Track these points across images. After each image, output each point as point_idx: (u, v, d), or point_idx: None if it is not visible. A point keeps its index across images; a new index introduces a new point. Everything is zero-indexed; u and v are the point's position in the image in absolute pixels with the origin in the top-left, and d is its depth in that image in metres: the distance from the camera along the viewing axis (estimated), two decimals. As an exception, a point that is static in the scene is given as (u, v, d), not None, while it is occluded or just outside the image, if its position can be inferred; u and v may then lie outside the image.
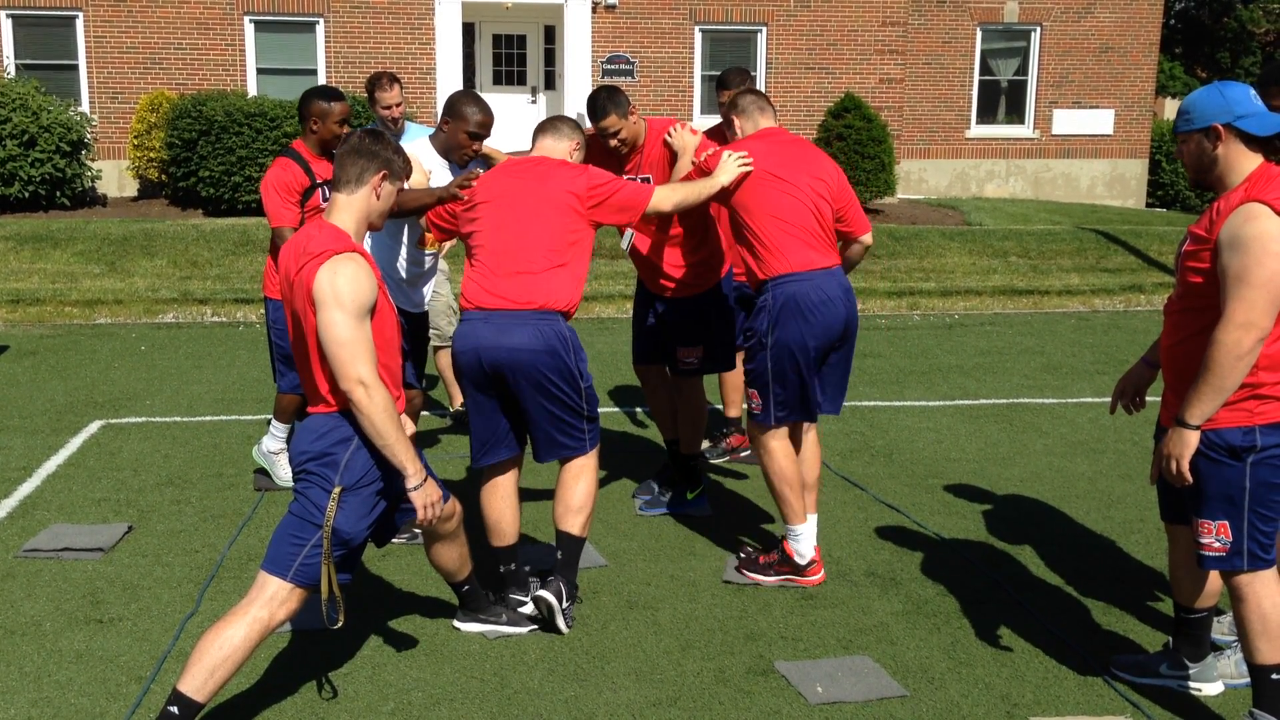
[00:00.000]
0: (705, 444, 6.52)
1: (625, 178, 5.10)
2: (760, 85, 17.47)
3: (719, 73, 6.45)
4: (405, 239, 5.04)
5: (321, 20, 16.38)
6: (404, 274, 5.12)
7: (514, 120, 16.81)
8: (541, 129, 4.52)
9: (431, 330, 6.51)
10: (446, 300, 7.01)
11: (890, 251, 13.59)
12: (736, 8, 17.28)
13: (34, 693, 3.79)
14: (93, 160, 15.17)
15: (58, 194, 14.26)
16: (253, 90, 16.11)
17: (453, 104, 4.75)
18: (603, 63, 16.97)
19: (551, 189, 4.27)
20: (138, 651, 4.09)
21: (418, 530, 4.76)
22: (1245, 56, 30.81)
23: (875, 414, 7.56)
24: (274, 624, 3.41)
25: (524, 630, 4.24)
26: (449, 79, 16.50)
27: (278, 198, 5.39)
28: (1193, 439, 3.37)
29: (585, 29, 16.81)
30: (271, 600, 3.41)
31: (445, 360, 7.03)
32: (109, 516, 5.45)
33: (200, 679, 3.28)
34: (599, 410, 4.39)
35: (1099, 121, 19.63)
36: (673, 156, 5.07)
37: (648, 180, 5.12)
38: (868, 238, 4.89)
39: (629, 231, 5.28)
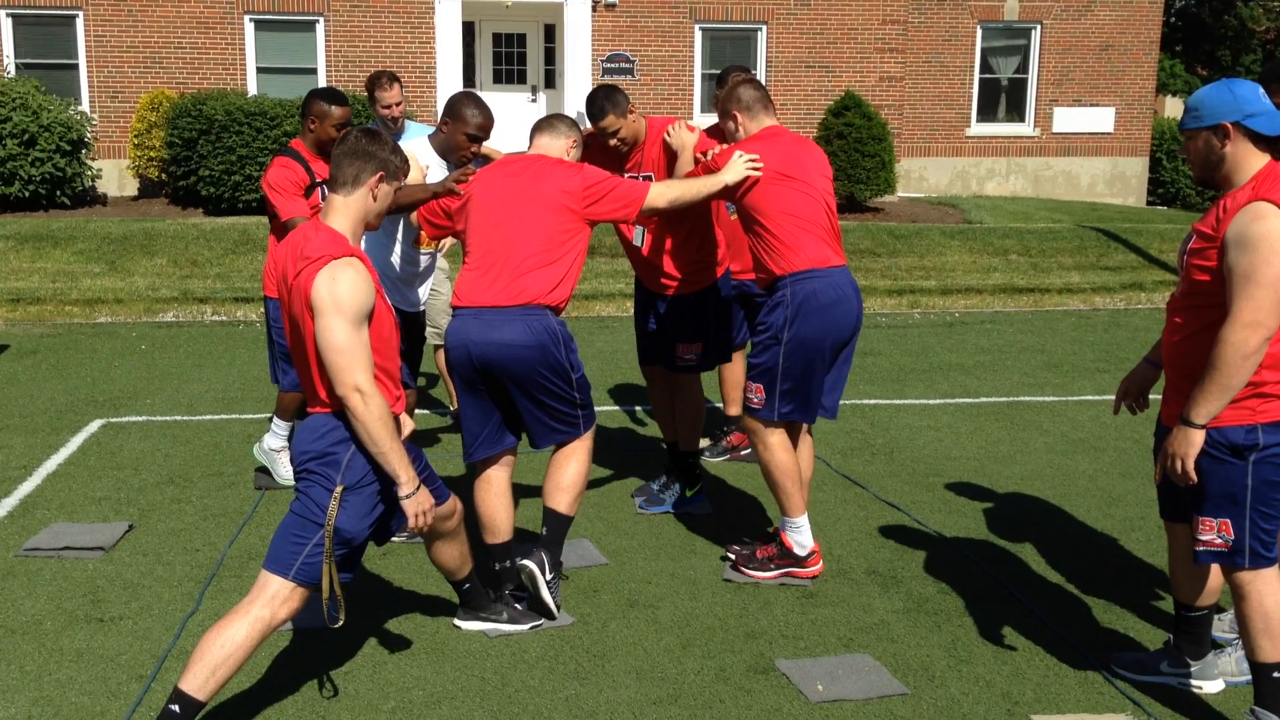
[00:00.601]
0: (705, 442, 6.52)
1: (626, 176, 5.11)
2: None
3: (719, 71, 6.44)
4: (401, 238, 5.04)
5: (322, 19, 16.37)
6: (400, 273, 5.13)
7: (514, 119, 16.80)
8: (538, 127, 4.52)
9: (431, 329, 6.51)
10: (446, 298, 7.01)
11: (891, 250, 13.59)
12: (736, 6, 17.27)
13: (35, 691, 3.80)
14: (93, 159, 15.17)
15: (58, 193, 14.26)
16: (253, 89, 16.11)
17: (453, 105, 4.75)
18: (603, 61, 16.96)
19: (546, 188, 4.27)
20: (138, 650, 4.09)
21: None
22: (1246, 54, 30.80)
23: (876, 412, 7.56)
24: (275, 623, 3.41)
25: (525, 628, 4.25)
26: (449, 78, 16.50)
27: (285, 193, 5.40)
28: (1198, 438, 3.36)
29: (585, 28, 16.81)
30: (273, 599, 3.41)
31: (445, 361, 7.04)
32: (109, 515, 5.45)
33: (201, 678, 3.28)
34: (592, 398, 4.40)
35: (1099, 119, 19.62)
36: (673, 155, 5.07)
37: (649, 179, 5.11)
38: None
39: (640, 229, 5.27)
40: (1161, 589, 4.72)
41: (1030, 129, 19.63)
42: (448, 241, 5.78)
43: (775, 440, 4.63)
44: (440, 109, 4.90)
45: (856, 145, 15.21)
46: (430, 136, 5.01)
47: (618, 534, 5.28)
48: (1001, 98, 19.69)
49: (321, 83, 16.32)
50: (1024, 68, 19.57)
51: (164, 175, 14.98)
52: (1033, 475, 6.24)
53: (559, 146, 4.46)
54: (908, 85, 18.60)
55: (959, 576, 4.83)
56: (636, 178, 5.11)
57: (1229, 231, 3.30)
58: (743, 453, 6.50)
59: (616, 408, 7.66)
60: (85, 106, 15.89)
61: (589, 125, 5.10)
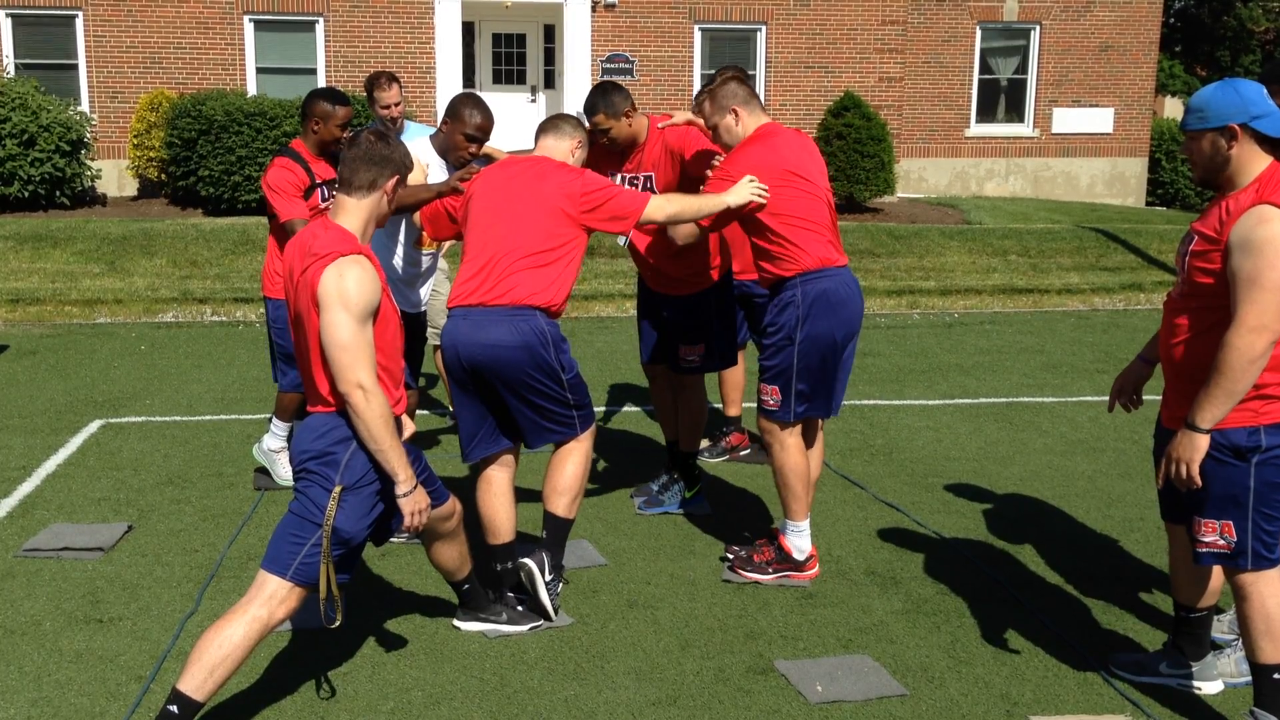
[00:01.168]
0: (705, 443, 6.53)
1: (627, 176, 5.11)
2: (760, 84, 17.47)
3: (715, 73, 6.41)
4: (402, 239, 5.04)
5: (321, 19, 16.37)
6: (401, 274, 5.13)
7: (513, 119, 16.81)
8: (543, 128, 4.52)
9: (431, 329, 6.51)
10: (445, 299, 7.01)
11: (890, 250, 13.59)
12: (736, 6, 17.28)
13: (34, 692, 3.80)
14: (92, 160, 15.17)
15: (57, 193, 14.26)
16: (252, 90, 16.11)
17: (453, 106, 4.76)
18: (602, 62, 16.97)
19: (545, 190, 4.27)
20: (137, 651, 4.09)
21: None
22: (1245, 55, 30.80)
23: (875, 413, 7.56)
24: (273, 623, 3.41)
25: (524, 629, 4.25)
26: (449, 78, 16.50)
27: (284, 194, 5.41)
28: (1203, 443, 3.34)
29: (585, 28, 16.81)
30: (271, 599, 3.41)
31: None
32: (109, 516, 5.45)
33: (199, 678, 3.28)
34: (590, 398, 4.39)
35: (1099, 120, 19.63)
36: (674, 159, 5.05)
37: (649, 179, 5.11)
38: None
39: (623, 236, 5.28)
40: (1160, 590, 4.72)
41: (1029, 130, 19.63)
42: (448, 242, 5.78)
43: (792, 442, 4.64)
44: (440, 109, 4.91)
45: (856, 146, 15.22)
46: (432, 137, 5.01)
47: (617, 535, 5.28)
48: (1001, 98, 19.69)
49: (321, 83, 16.32)
50: (1023, 68, 19.58)
51: (163, 175, 14.98)
52: (1032, 476, 6.24)
53: (563, 148, 4.46)
54: (907, 86, 18.61)
55: (958, 577, 4.83)
56: (636, 179, 5.11)
57: (1233, 235, 3.28)
58: (741, 453, 6.50)
59: (616, 408, 7.66)
60: (85, 107, 15.89)
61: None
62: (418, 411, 6.69)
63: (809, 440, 4.77)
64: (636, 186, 5.10)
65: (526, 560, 4.23)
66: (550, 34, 17.71)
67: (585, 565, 4.88)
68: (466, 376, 4.23)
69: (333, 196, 5.58)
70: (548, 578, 4.26)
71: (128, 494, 5.78)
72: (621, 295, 11.60)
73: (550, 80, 17.81)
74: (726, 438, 6.54)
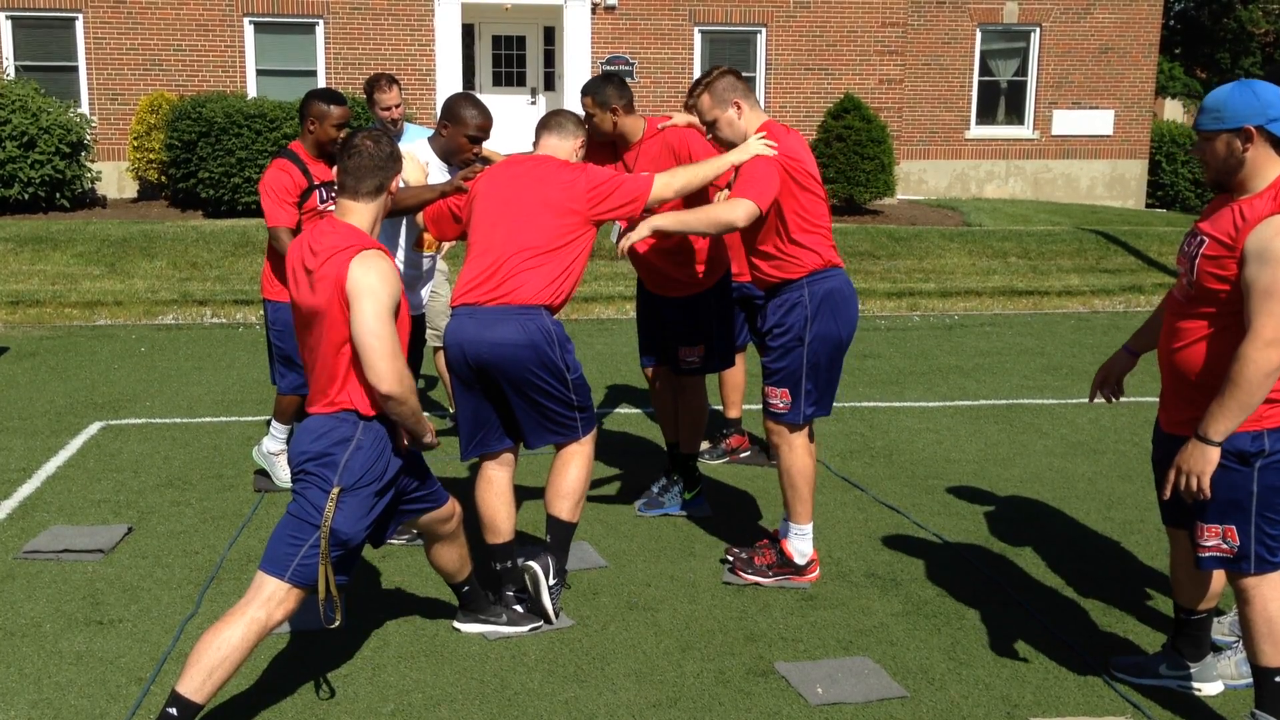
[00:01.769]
0: (705, 445, 6.52)
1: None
2: (760, 86, 17.48)
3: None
4: (403, 242, 5.04)
5: (321, 22, 16.38)
6: (402, 275, 5.12)
7: (514, 121, 16.81)
8: (545, 126, 4.50)
9: (430, 330, 6.52)
10: (445, 300, 7.01)
11: (890, 252, 13.59)
12: (736, 9, 17.28)
13: (34, 694, 3.79)
14: (92, 162, 15.17)
15: (57, 195, 14.26)
16: (252, 92, 16.12)
17: (450, 107, 4.75)
18: (602, 64, 16.97)
19: (550, 188, 4.27)
20: (138, 653, 4.08)
21: (417, 531, 4.76)
22: (1245, 57, 30.81)
23: (875, 415, 7.56)
24: (271, 624, 3.41)
25: (524, 630, 4.24)
26: (449, 80, 16.51)
27: (275, 198, 5.42)
28: (1214, 455, 3.29)
29: (585, 30, 16.82)
30: (269, 600, 3.42)
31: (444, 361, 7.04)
32: (109, 518, 5.45)
33: (198, 680, 3.28)
34: (592, 401, 4.39)
35: (1098, 122, 19.64)
36: (676, 159, 5.03)
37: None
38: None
39: (616, 225, 5.27)
40: (1161, 592, 4.72)
41: (1029, 131, 19.64)
42: (447, 244, 5.78)
43: (801, 444, 4.65)
44: (439, 111, 4.90)
45: (856, 148, 15.22)
46: (430, 140, 5.01)
47: (617, 536, 5.28)
48: (1001, 100, 19.70)
49: (321, 85, 16.32)
50: (1023, 70, 19.59)
51: (163, 178, 14.99)
52: (1032, 478, 6.24)
53: (566, 147, 4.46)
54: (907, 88, 18.62)
55: (958, 579, 4.83)
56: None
57: (1249, 244, 3.22)
58: (742, 455, 6.50)
59: (615, 410, 7.66)
60: (85, 109, 15.90)
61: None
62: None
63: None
64: None
65: (531, 563, 4.23)
66: (550, 36, 17.72)
67: (585, 567, 4.88)
68: (471, 375, 4.23)
69: (332, 199, 5.60)
70: (551, 581, 4.26)
71: (128, 496, 5.77)
72: (621, 297, 11.60)
73: (550, 82, 17.82)
74: (727, 440, 6.53)
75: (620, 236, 5.31)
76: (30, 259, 12.06)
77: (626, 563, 4.97)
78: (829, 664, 4.05)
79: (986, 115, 19.64)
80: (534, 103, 17.75)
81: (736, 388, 6.48)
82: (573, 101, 16.35)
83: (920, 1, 18.87)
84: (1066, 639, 4.26)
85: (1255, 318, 3.18)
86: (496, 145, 7.07)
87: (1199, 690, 3.86)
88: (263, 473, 5.96)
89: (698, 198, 5.26)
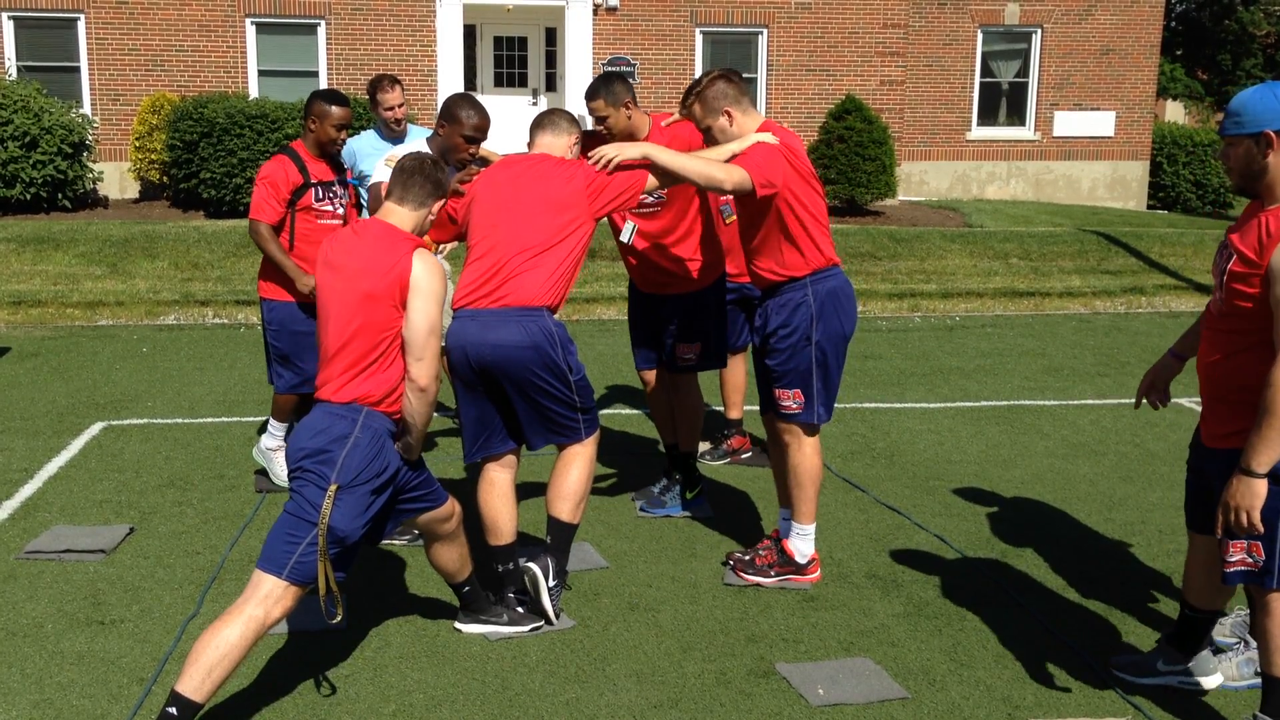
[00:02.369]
0: (706, 446, 6.53)
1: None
2: (761, 87, 17.48)
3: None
4: None
5: (323, 22, 16.39)
6: None
7: (515, 122, 16.81)
8: (539, 124, 4.51)
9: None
10: (446, 301, 7.01)
11: (891, 253, 13.59)
12: (737, 10, 17.29)
13: (36, 694, 3.80)
14: (94, 162, 15.18)
15: (59, 196, 14.27)
16: (254, 92, 16.12)
17: (448, 108, 4.76)
18: (603, 65, 16.97)
19: (550, 186, 4.27)
20: (139, 653, 4.09)
21: (417, 531, 4.76)
22: (1246, 59, 30.81)
23: (876, 416, 7.56)
24: (269, 622, 3.42)
25: (525, 631, 4.25)
26: (450, 81, 16.51)
27: (265, 191, 5.50)
28: (1261, 488, 3.19)
29: (586, 31, 16.82)
30: (267, 598, 3.43)
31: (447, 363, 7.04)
32: (110, 518, 5.46)
33: (198, 679, 3.29)
34: (594, 403, 4.39)
35: (1100, 123, 19.63)
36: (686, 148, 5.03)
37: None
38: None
39: (630, 225, 5.27)
40: (1162, 592, 4.72)
41: (1031, 133, 19.64)
42: (449, 245, 5.78)
43: (812, 445, 4.66)
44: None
45: (857, 149, 15.22)
46: (428, 140, 5.02)
47: (618, 537, 5.28)
48: (1002, 101, 19.70)
49: (323, 86, 16.34)
50: (1024, 71, 19.58)
51: (165, 178, 14.99)
52: (1033, 479, 6.24)
53: (561, 144, 4.46)
54: (908, 89, 18.62)
55: (959, 580, 4.83)
56: None
57: (1274, 262, 3.14)
58: (743, 456, 6.50)
59: (616, 411, 7.66)
60: (87, 109, 15.90)
61: (591, 122, 5.12)
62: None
63: None
64: None
65: (531, 564, 4.23)
66: (551, 37, 17.72)
67: (586, 568, 4.88)
68: (474, 377, 4.23)
69: (328, 198, 5.61)
70: (551, 583, 4.26)
71: (129, 496, 5.78)
72: (622, 298, 11.60)
73: (551, 83, 17.82)
74: (728, 440, 6.54)
75: (630, 236, 5.31)
76: (32, 259, 12.07)
77: (628, 563, 4.97)
78: (830, 665, 4.05)
79: (988, 116, 19.63)
80: (535, 103, 17.76)
81: (737, 388, 6.49)
82: (574, 102, 16.36)
83: (921, 3, 18.87)
84: (1068, 640, 4.26)
85: None
86: (498, 146, 7.06)
87: (1199, 684, 3.85)
88: (264, 473, 5.96)
89: (705, 215, 5.27)
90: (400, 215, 3.74)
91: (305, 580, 3.47)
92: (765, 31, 17.46)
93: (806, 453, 4.64)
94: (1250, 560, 3.34)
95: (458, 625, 4.28)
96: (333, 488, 3.46)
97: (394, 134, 6.50)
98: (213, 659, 3.31)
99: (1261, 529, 3.25)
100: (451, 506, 3.95)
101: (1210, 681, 3.87)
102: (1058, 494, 5.99)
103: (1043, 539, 5.33)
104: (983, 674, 4.02)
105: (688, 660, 4.10)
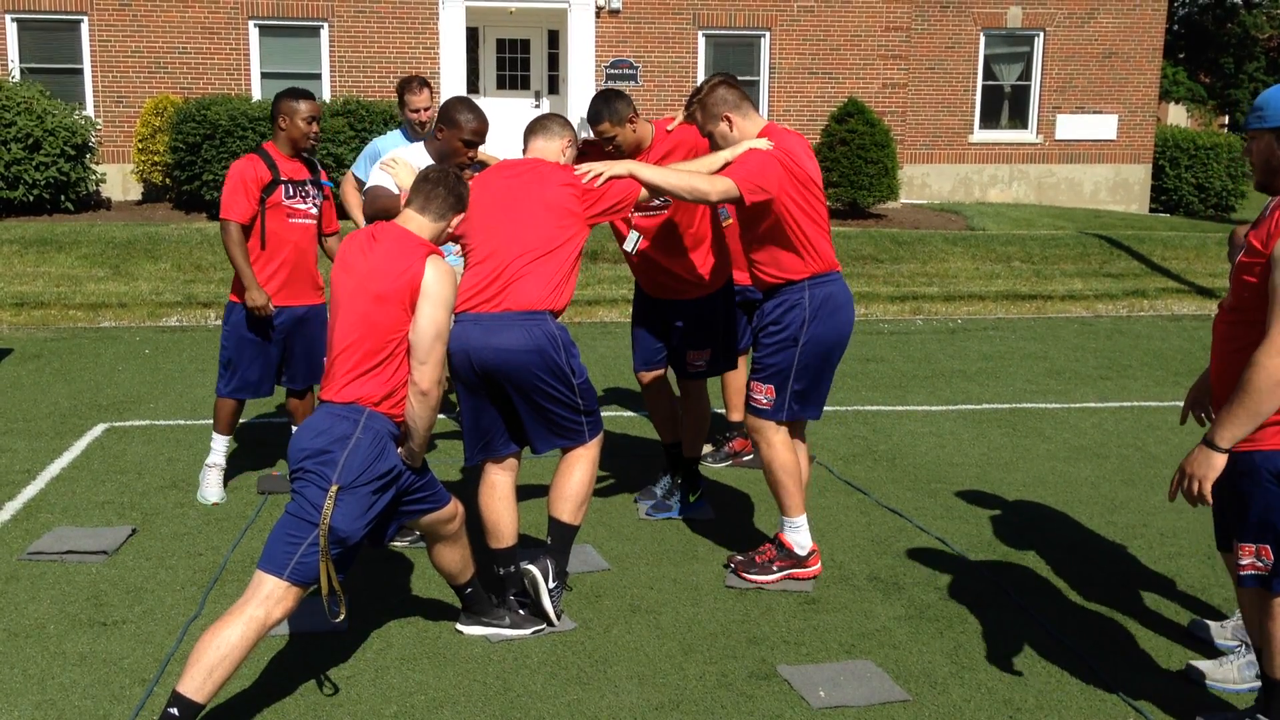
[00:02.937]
0: (708, 448, 6.53)
1: None
2: (764, 90, 17.49)
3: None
4: None
5: (326, 25, 16.40)
6: None
7: (517, 125, 16.82)
8: (532, 129, 4.52)
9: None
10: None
11: (893, 256, 13.59)
12: (740, 12, 17.30)
13: (38, 695, 3.80)
14: (97, 164, 15.19)
15: (62, 197, 14.29)
16: (257, 94, 16.14)
17: (447, 111, 4.77)
18: (606, 67, 16.99)
19: (546, 191, 4.28)
20: (141, 654, 4.09)
21: (419, 533, 4.76)
22: (1249, 62, 30.80)
23: (878, 418, 7.57)
24: (270, 622, 3.43)
25: (527, 633, 4.25)
26: (453, 83, 16.52)
27: (234, 189, 5.45)
28: (1219, 461, 3.21)
29: (589, 33, 16.83)
30: (268, 599, 3.43)
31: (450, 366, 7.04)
32: (113, 519, 5.46)
33: (199, 680, 3.29)
34: (598, 405, 4.39)
35: (1102, 126, 19.63)
36: (691, 153, 5.03)
37: None
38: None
39: (634, 235, 5.28)
40: (1162, 595, 4.72)
41: (1033, 136, 19.64)
42: (456, 247, 5.78)
43: (779, 439, 4.66)
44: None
45: (859, 152, 15.22)
46: (426, 143, 5.02)
47: (620, 539, 5.28)
48: (1004, 104, 19.70)
49: (325, 88, 16.37)
50: (1027, 75, 19.59)
51: (168, 180, 15.00)
52: (1035, 482, 6.24)
53: (554, 148, 4.48)
54: (911, 92, 18.62)
55: (961, 583, 4.83)
56: None
57: (1277, 249, 3.15)
58: (745, 458, 6.50)
59: (618, 413, 7.67)
60: (90, 111, 15.92)
61: (589, 132, 5.11)
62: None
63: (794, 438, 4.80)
64: None
65: (530, 567, 4.23)
66: (554, 39, 17.73)
67: (588, 570, 4.89)
68: (477, 380, 4.24)
69: (299, 197, 5.56)
70: (551, 584, 4.26)
71: (131, 497, 5.78)
72: (624, 300, 11.60)
73: (554, 85, 17.83)
74: (730, 443, 6.54)
75: (634, 246, 5.32)
76: (35, 261, 12.08)
77: (629, 565, 4.97)
78: (831, 667, 4.05)
79: (990, 119, 19.64)
80: (538, 106, 17.77)
81: (739, 391, 6.48)
82: (577, 105, 16.38)
83: (924, 5, 18.88)
84: (1069, 643, 4.26)
85: (1272, 324, 3.11)
86: (501, 149, 7.07)
87: None
88: (267, 474, 5.97)
89: (717, 232, 5.27)
90: (419, 223, 3.77)
91: (306, 581, 3.48)
92: (768, 34, 17.47)
93: (776, 449, 4.65)
94: (1260, 564, 3.32)
95: (459, 627, 4.28)
96: (334, 488, 3.47)
97: (420, 136, 6.50)
98: (214, 660, 3.32)
99: (1210, 501, 3.26)
100: (454, 508, 3.96)
101: None
102: (1059, 497, 5.99)
103: (1044, 542, 5.33)
104: (984, 676, 4.02)
105: (689, 662, 4.10)
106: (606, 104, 4.94)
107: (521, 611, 4.31)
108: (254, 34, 16.33)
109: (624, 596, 4.65)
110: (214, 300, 11.30)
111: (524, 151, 4.56)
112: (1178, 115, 33.60)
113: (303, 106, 5.49)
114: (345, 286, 3.69)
